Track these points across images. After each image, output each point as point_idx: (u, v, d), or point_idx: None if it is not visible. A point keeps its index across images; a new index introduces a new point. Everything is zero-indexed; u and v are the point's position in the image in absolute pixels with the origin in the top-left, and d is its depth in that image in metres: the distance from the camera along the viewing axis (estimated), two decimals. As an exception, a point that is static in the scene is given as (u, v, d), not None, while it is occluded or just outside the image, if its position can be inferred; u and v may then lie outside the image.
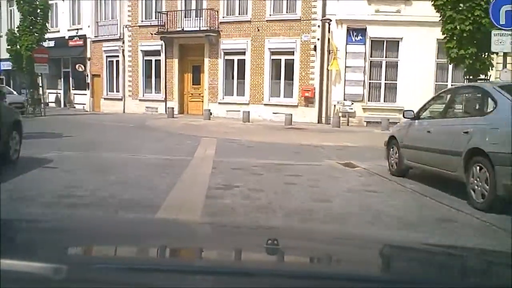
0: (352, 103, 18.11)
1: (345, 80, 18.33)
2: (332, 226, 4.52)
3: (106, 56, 24.55)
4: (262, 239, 1.29)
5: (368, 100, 18.55)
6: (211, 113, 19.76)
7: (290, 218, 4.71)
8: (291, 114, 17.75)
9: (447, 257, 1.50)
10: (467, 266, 1.40)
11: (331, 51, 18.20)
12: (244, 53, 20.07)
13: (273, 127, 16.65)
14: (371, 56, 18.32)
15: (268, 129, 16.17)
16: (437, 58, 17.94)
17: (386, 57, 18.31)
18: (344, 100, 18.27)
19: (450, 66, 17.98)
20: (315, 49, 18.57)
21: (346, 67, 18.26)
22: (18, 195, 5.22)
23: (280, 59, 19.48)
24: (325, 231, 2.63)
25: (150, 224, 1.92)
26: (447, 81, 18.22)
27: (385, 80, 18.44)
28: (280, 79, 19.58)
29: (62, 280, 0.92)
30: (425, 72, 17.76)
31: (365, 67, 18.17)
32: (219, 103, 20.77)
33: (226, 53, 20.58)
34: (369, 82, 18.47)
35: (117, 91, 24.17)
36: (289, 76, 19.29)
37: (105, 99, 24.84)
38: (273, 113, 19.58)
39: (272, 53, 19.56)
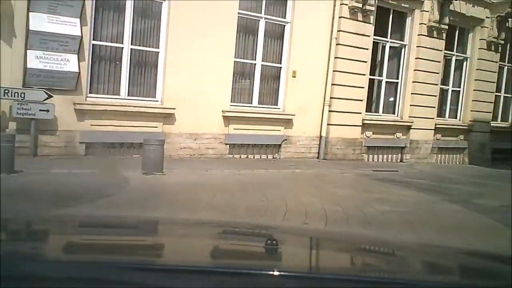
0: (47, 98, 7.21)
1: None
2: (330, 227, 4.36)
3: None
4: (262, 239, 1.40)
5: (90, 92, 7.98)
6: None
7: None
8: None
9: (446, 257, 1.54)
10: (467, 266, 1.43)
11: None
12: None
13: None
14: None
15: None
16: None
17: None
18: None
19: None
20: None
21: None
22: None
23: None
24: (324, 232, 2.76)
25: (150, 223, 1.92)
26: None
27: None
28: None
29: (62, 279, 0.95)
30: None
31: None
32: None
33: None
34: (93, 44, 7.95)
35: None
36: None
37: None
38: None
39: None
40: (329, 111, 10.26)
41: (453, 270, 1.38)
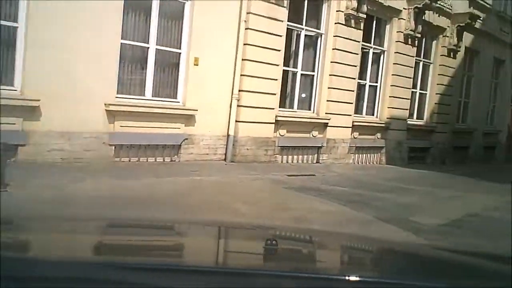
0: None
1: None
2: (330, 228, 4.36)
3: None
4: (261, 239, 1.47)
5: None
6: None
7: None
8: None
9: (446, 258, 1.54)
10: (467, 266, 1.43)
11: None
12: None
13: None
14: None
15: None
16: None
17: None
18: None
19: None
20: None
21: None
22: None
23: None
24: (323, 232, 2.71)
25: (150, 224, 1.91)
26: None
27: None
28: None
29: (62, 279, 0.95)
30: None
31: None
32: None
33: None
34: None
35: None
36: None
37: None
38: None
39: None
40: (238, 106, 8.91)
41: (452, 270, 1.34)
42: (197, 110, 8.34)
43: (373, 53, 11.98)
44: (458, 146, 15.19)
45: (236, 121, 8.89)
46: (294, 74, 10.30)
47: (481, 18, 14.60)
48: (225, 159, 8.91)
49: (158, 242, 1.49)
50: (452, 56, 14.15)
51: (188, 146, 8.44)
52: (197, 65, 8.35)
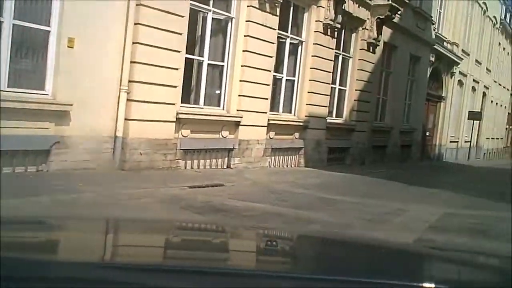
0: None
1: None
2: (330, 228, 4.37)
3: None
4: (261, 240, 1.53)
5: None
6: None
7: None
8: None
9: (445, 257, 1.55)
10: (466, 266, 1.42)
11: None
12: None
13: None
14: None
15: None
16: None
17: None
18: None
19: None
20: None
21: None
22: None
23: None
24: (323, 233, 2.75)
25: (150, 224, 1.94)
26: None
27: None
28: None
29: (62, 279, 0.94)
30: None
31: None
32: None
33: None
34: None
35: None
36: None
37: None
38: None
39: None
40: (128, 100, 7.18)
41: (452, 270, 1.32)
42: (72, 105, 6.50)
43: (290, 43, 10.75)
44: (376, 145, 14.53)
45: (125, 119, 7.16)
46: (200, 63, 8.74)
47: (400, 13, 13.97)
48: (112, 167, 7.15)
49: (158, 242, 1.47)
50: (371, 50, 13.35)
51: (61, 151, 6.57)
52: (72, 47, 6.50)
